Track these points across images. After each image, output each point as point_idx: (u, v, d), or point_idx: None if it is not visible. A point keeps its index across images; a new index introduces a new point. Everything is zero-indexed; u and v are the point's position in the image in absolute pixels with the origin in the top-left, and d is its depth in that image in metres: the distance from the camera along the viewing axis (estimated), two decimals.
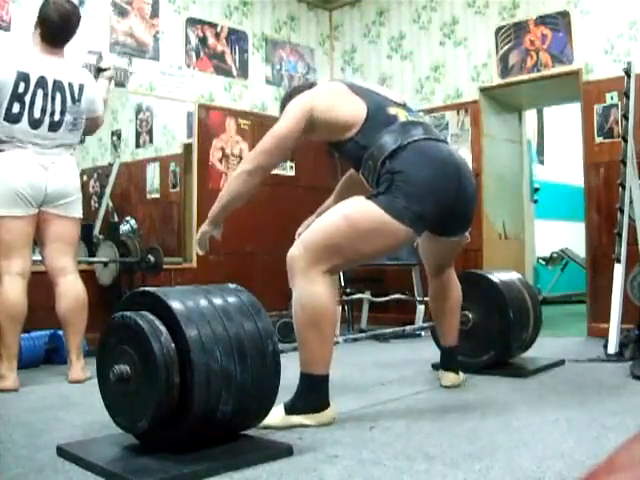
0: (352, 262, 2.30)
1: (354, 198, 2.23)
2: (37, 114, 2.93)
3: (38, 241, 3.07)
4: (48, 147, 2.96)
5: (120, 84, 4.33)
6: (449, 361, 2.78)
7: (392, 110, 2.32)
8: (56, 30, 2.99)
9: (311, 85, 2.55)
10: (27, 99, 2.90)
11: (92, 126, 3.23)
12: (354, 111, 2.28)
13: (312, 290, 2.10)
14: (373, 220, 2.13)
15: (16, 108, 2.89)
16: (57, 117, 2.98)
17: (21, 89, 2.88)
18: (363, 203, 2.17)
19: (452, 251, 2.62)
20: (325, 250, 2.12)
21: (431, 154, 2.24)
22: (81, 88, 3.05)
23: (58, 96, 2.97)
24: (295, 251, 2.16)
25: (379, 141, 2.22)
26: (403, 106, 2.39)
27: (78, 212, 3.12)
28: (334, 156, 2.55)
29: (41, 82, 2.92)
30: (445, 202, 2.23)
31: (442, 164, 2.25)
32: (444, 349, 2.80)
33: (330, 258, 2.12)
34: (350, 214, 2.15)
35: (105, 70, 3.33)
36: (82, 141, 4.67)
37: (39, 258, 3.16)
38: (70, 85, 3.01)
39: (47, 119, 2.95)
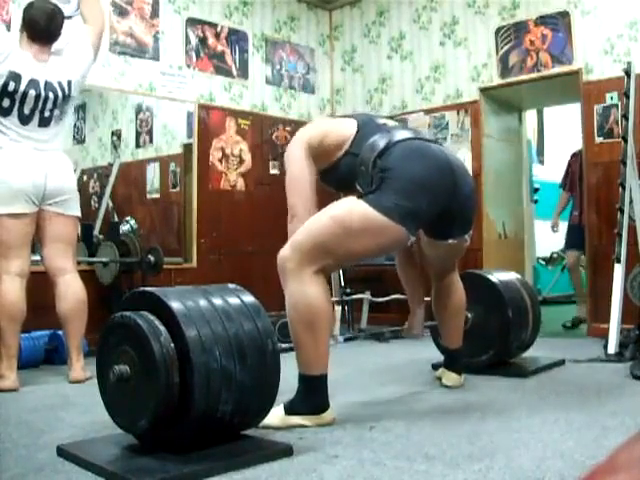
0: (344, 262, 2.28)
1: (344, 198, 2.22)
2: (27, 111, 2.94)
3: (37, 241, 3.08)
4: (41, 142, 2.98)
5: None
6: (453, 363, 2.77)
7: (381, 120, 2.39)
8: (43, 30, 3.01)
9: None
10: (17, 97, 2.91)
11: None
12: (345, 129, 2.33)
13: (304, 291, 2.08)
14: (362, 218, 2.10)
15: (6, 103, 2.91)
16: (47, 114, 3.00)
17: (11, 87, 2.90)
18: (353, 202, 2.16)
19: (453, 255, 2.58)
20: (314, 250, 2.09)
21: (422, 151, 2.24)
22: (69, 83, 3.06)
23: (51, 95, 2.99)
24: (284, 253, 2.14)
25: (368, 144, 2.23)
26: (393, 119, 2.45)
27: (77, 210, 3.12)
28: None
29: (32, 84, 2.94)
30: (439, 199, 2.21)
31: (434, 161, 2.24)
32: (448, 351, 2.80)
33: (320, 258, 2.10)
34: (339, 214, 2.13)
35: None
36: (82, 141, 4.71)
37: (38, 258, 3.16)
38: (60, 84, 3.03)
39: (37, 115, 2.97)
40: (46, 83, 2.98)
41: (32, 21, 3.00)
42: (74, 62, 3.11)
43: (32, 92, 2.93)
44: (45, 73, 2.99)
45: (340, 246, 2.12)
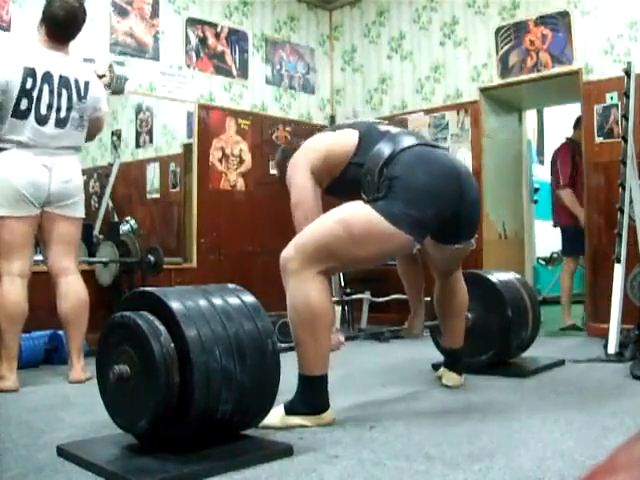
0: (347, 266, 2.26)
1: (352, 202, 2.19)
2: (43, 110, 2.90)
3: (40, 241, 3.06)
4: (53, 147, 2.93)
5: (119, 91, 4.32)
6: (453, 362, 2.77)
7: (383, 127, 2.36)
8: (61, 27, 2.96)
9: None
10: (34, 94, 2.87)
11: (94, 128, 3.18)
12: (347, 141, 2.30)
13: (305, 291, 2.07)
14: (369, 224, 2.09)
15: (24, 104, 2.87)
16: (63, 114, 2.95)
17: (29, 85, 2.86)
18: (360, 207, 2.14)
19: (459, 257, 2.59)
20: (317, 252, 2.08)
21: (428, 159, 2.23)
22: (87, 85, 3.03)
23: (64, 92, 2.95)
24: (287, 253, 2.13)
25: (373, 153, 2.21)
26: (394, 120, 2.41)
27: (81, 212, 3.10)
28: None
29: (47, 77, 2.90)
30: (446, 205, 2.20)
31: (440, 168, 2.23)
32: (449, 351, 2.80)
33: (323, 261, 2.09)
34: (346, 218, 2.12)
35: (100, 77, 3.32)
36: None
37: (40, 258, 3.16)
38: (76, 81, 2.99)
39: (53, 115, 2.93)
40: (60, 77, 2.93)
41: (52, 16, 2.93)
42: (96, 80, 3.11)
43: (46, 87, 2.89)
44: (60, 67, 2.94)
45: (343, 249, 2.11)
